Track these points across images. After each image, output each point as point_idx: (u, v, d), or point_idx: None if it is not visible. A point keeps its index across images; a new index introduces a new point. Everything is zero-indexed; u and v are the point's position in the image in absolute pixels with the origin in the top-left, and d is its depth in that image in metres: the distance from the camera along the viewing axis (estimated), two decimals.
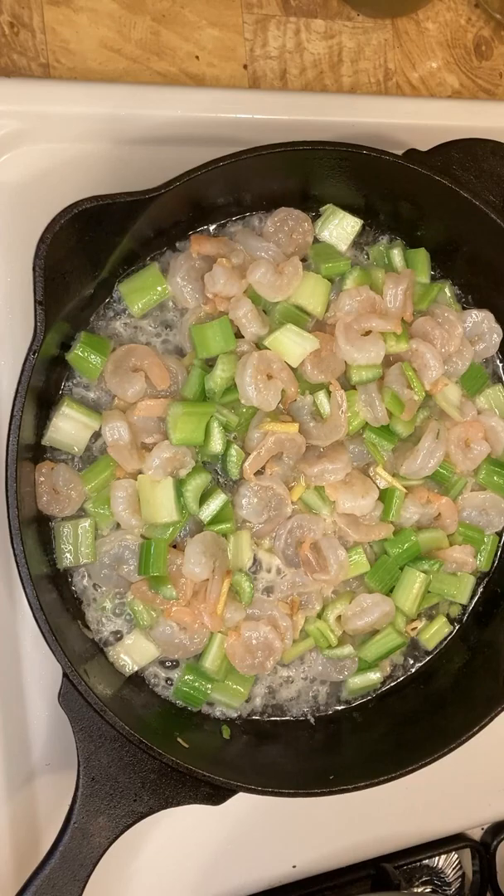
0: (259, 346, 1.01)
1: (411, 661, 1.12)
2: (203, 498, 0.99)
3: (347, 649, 1.06)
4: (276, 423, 1.00)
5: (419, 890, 1.23)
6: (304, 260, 1.04)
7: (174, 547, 1.00)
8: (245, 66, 1.19)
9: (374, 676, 1.09)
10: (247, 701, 1.05)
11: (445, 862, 1.24)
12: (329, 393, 1.01)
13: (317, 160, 0.99)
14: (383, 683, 1.11)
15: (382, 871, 1.16)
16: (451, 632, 1.13)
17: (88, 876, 0.92)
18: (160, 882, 1.09)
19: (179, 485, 0.98)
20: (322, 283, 1.03)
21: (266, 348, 1.00)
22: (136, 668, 1.01)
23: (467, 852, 1.25)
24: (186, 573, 0.97)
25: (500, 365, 1.15)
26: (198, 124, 1.09)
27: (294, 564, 1.04)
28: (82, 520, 0.98)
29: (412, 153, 1.02)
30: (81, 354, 0.97)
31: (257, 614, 1.03)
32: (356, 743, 1.06)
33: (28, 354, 0.88)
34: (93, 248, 0.92)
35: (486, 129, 1.10)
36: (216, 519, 0.99)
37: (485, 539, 1.12)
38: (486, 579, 1.15)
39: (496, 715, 0.99)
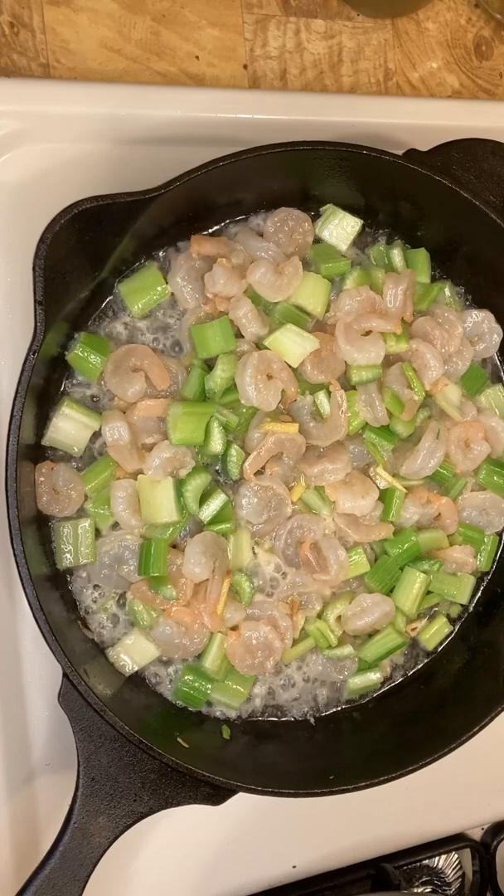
0: (259, 346, 1.01)
1: (411, 662, 1.12)
2: (203, 498, 0.99)
3: (347, 649, 1.06)
4: (276, 423, 1.00)
5: (419, 890, 1.23)
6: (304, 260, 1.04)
7: (174, 547, 1.00)
8: (245, 66, 1.19)
9: (374, 677, 1.09)
10: (247, 701, 1.05)
11: (445, 862, 1.24)
12: (329, 393, 1.01)
13: (317, 160, 0.99)
14: (383, 683, 1.11)
15: (382, 871, 1.16)
16: (451, 632, 1.13)
17: (88, 876, 0.92)
18: (160, 882, 1.09)
19: (179, 485, 0.98)
20: (322, 283, 1.03)
21: (266, 348, 1.00)
22: (136, 668, 1.01)
23: (467, 852, 1.25)
24: (186, 573, 0.97)
25: (501, 365, 1.15)
26: (198, 124, 1.09)
27: (294, 564, 1.04)
28: (82, 520, 0.98)
29: (412, 153, 1.02)
30: (81, 354, 0.97)
31: (257, 614, 1.03)
32: (356, 743, 1.06)
33: (28, 354, 0.88)
34: (93, 248, 0.92)
35: (486, 129, 1.10)
36: (216, 519, 0.99)
37: (485, 539, 1.12)
38: (487, 579, 1.15)
39: (496, 715, 0.99)
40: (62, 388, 1.00)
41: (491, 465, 1.11)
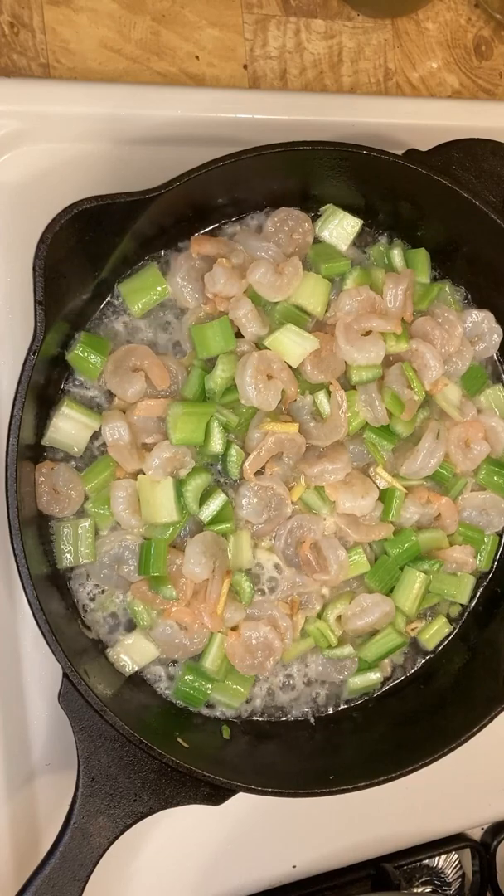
0: (259, 346, 1.01)
1: (411, 662, 1.12)
2: (203, 498, 0.99)
3: (347, 649, 1.06)
4: (276, 423, 1.00)
5: (419, 890, 1.23)
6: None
7: (174, 547, 1.00)
8: (245, 66, 1.19)
9: (374, 676, 1.09)
10: (247, 701, 1.05)
11: (445, 862, 1.24)
12: (329, 393, 1.01)
13: (317, 160, 0.99)
14: (383, 683, 1.11)
15: (382, 871, 1.16)
16: (451, 632, 1.13)
17: (88, 876, 0.92)
18: (160, 882, 1.09)
19: (179, 485, 0.98)
20: (322, 283, 1.03)
21: (266, 348, 1.00)
22: (136, 668, 1.01)
23: (467, 852, 1.25)
24: (186, 573, 0.97)
25: (501, 365, 1.15)
26: (198, 124, 1.09)
27: (294, 564, 1.04)
28: (82, 520, 0.98)
29: (412, 153, 1.02)
30: (81, 354, 0.97)
31: (257, 614, 1.03)
32: (356, 743, 1.06)
33: (28, 354, 0.88)
34: (93, 248, 0.92)
35: (486, 129, 1.10)
36: (216, 519, 0.99)
37: (485, 539, 1.12)
38: (487, 579, 1.15)
39: (496, 715, 0.99)
40: (62, 388, 1.00)
41: (491, 465, 1.11)
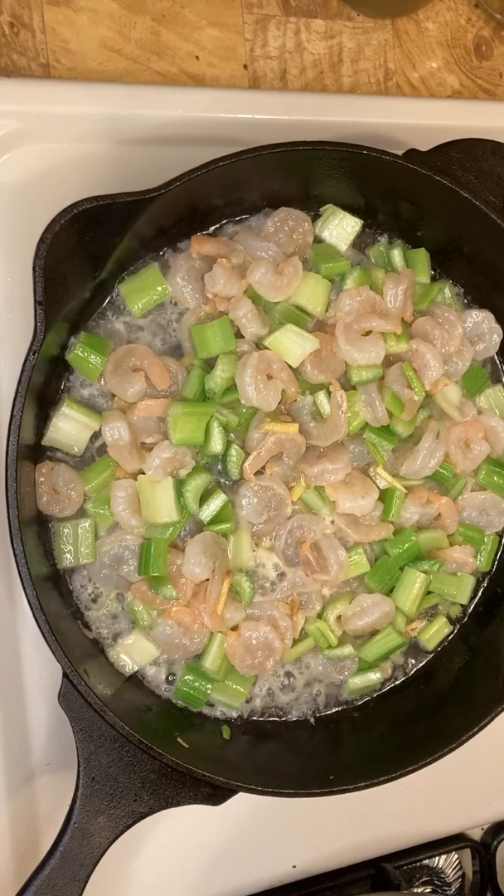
0: (259, 346, 1.01)
1: (411, 662, 1.12)
2: (203, 498, 0.99)
3: (347, 649, 1.06)
4: (276, 423, 1.00)
5: (419, 890, 1.23)
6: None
7: (174, 547, 1.00)
8: (245, 66, 1.19)
9: (374, 677, 1.09)
10: (247, 701, 1.05)
11: (445, 862, 1.24)
12: (329, 393, 1.01)
13: (317, 160, 0.99)
14: (383, 684, 1.11)
15: (382, 871, 1.16)
16: (451, 632, 1.13)
17: (88, 876, 0.92)
18: (160, 882, 1.09)
19: (179, 485, 0.98)
20: (322, 283, 1.03)
21: (266, 348, 1.00)
22: (136, 668, 1.01)
23: (467, 852, 1.25)
24: (186, 573, 0.97)
25: (501, 365, 1.15)
26: (198, 124, 1.09)
27: (294, 564, 1.04)
28: (82, 520, 0.98)
29: (412, 153, 1.02)
30: (81, 354, 0.97)
31: (257, 614, 1.03)
32: (356, 743, 1.06)
33: (28, 354, 0.88)
34: (93, 248, 0.92)
35: (486, 129, 1.10)
36: (216, 519, 0.99)
37: (485, 539, 1.12)
38: (487, 579, 1.15)
39: (496, 715, 0.99)
40: (62, 388, 1.00)
41: (491, 465, 1.11)
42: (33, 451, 0.96)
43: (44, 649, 0.90)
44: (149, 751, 0.91)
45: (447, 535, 1.10)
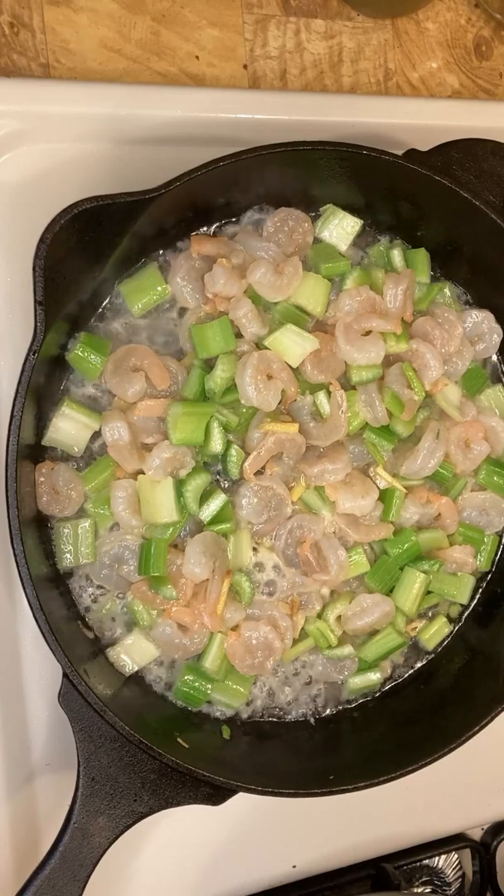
0: (259, 346, 1.01)
1: (411, 662, 1.12)
2: (203, 498, 0.99)
3: (347, 649, 1.06)
4: (276, 423, 1.00)
5: (419, 890, 1.23)
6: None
7: (174, 547, 1.00)
8: (245, 66, 1.19)
9: (374, 677, 1.09)
10: (248, 703, 1.05)
11: (445, 862, 1.24)
12: (329, 393, 1.01)
13: (317, 160, 0.99)
14: (383, 684, 1.11)
15: (382, 871, 1.16)
16: (451, 632, 1.13)
17: (88, 876, 0.92)
18: (160, 882, 1.09)
19: (179, 485, 0.98)
20: (322, 283, 1.03)
21: (266, 348, 1.00)
22: (136, 668, 1.01)
23: (467, 852, 1.25)
24: (186, 573, 0.97)
25: (501, 365, 1.15)
26: (198, 124, 1.09)
27: (294, 564, 1.04)
28: (82, 520, 0.98)
29: (412, 153, 1.02)
30: (81, 354, 0.97)
31: (257, 614, 1.03)
32: (356, 743, 1.06)
33: (28, 354, 0.88)
34: (93, 249, 0.92)
35: (486, 129, 1.10)
36: (216, 519, 0.99)
37: (485, 539, 1.12)
38: (486, 579, 1.15)
39: (496, 715, 0.99)
40: (62, 388, 1.00)
41: (491, 465, 1.11)
42: (33, 451, 0.96)
43: (44, 649, 0.90)
44: (149, 751, 0.91)
45: (447, 535, 1.10)
